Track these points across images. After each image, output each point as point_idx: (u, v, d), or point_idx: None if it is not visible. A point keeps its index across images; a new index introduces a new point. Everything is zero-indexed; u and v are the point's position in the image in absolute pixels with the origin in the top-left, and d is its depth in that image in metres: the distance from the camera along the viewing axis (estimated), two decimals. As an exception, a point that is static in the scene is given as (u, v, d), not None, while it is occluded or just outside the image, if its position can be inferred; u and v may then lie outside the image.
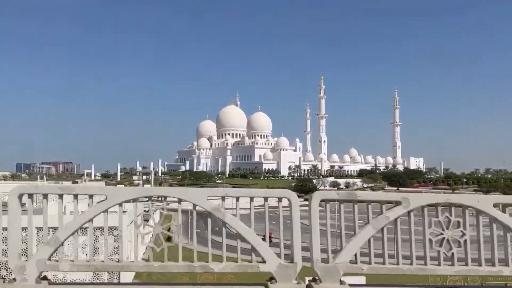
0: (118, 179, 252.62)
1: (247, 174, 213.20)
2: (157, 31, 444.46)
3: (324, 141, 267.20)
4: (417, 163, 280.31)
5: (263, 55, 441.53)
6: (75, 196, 4.39)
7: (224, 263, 4.35)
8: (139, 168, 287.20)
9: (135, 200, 4.45)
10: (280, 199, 4.50)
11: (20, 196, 4.28)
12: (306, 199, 4.83)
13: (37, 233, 4.71)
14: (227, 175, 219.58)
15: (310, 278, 4.47)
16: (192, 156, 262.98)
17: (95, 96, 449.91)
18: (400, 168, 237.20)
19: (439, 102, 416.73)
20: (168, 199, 4.46)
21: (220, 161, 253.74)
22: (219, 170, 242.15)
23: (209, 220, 4.43)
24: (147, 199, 4.68)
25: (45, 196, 4.42)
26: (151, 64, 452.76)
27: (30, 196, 4.36)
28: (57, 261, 4.27)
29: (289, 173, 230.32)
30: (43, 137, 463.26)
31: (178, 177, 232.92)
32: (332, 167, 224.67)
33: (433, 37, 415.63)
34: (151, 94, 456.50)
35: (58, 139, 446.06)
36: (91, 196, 4.48)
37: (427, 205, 4.51)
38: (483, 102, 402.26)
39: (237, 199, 4.50)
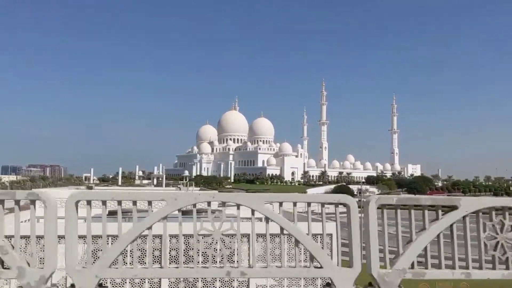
0: (119, 183, 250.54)
1: (253, 179, 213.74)
2: (156, 35, 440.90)
3: (326, 147, 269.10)
4: (414, 170, 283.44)
5: (262, 61, 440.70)
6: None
7: (284, 268, 4.44)
8: (140, 173, 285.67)
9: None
10: (337, 205, 4.53)
11: (77, 203, 4.20)
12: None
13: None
14: (232, 180, 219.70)
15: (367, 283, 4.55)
16: (194, 160, 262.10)
17: (87, 98, 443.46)
18: (406, 175, 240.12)
19: (436, 110, 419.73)
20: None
21: (222, 166, 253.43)
22: (221, 175, 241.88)
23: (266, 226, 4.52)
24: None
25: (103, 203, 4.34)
26: (147, 68, 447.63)
27: (89, 202, 4.28)
28: (116, 268, 4.24)
29: (292, 178, 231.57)
30: (29, 138, 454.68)
31: (182, 181, 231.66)
32: (341, 173, 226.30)
33: (430, 44, 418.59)
34: (146, 98, 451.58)
35: (43, 141, 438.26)
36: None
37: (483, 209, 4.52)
38: (479, 110, 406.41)
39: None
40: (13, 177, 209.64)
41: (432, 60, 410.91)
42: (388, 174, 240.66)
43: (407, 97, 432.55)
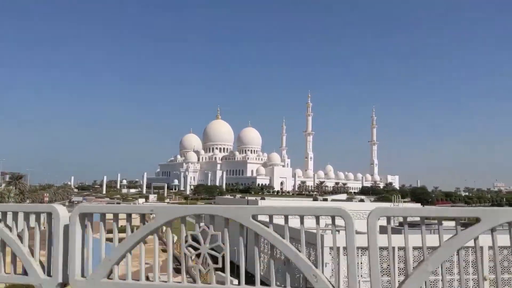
0: (104, 192, 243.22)
1: (246, 189, 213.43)
2: (139, 44, 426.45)
3: (311, 158, 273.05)
4: (393, 180, 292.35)
5: (245, 71, 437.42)
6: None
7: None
8: (124, 181, 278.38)
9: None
10: (333, 218, 3.87)
11: (82, 216, 4.31)
12: None
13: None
14: (224, 190, 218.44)
15: None
16: (180, 169, 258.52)
17: (56, 103, 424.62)
18: (397, 186, 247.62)
19: (413, 122, 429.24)
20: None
21: (209, 175, 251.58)
22: (209, 185, 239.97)
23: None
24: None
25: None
26: (121, 73, 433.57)
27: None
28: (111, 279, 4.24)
29: (281, 188, 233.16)
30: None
31: (171, 190, 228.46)
32: (337, 183, 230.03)
33: (409, 56, 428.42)
34: (124, 106, 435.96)
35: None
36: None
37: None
38: (452, 123, 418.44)
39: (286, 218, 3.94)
40: None
41: (409, 71, 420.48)
42: (381, 184, 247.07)
43: (383, 109, 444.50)
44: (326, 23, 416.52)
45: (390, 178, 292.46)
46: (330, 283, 3.85)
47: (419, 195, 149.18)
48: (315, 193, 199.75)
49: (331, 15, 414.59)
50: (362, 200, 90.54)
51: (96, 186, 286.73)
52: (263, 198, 60.45)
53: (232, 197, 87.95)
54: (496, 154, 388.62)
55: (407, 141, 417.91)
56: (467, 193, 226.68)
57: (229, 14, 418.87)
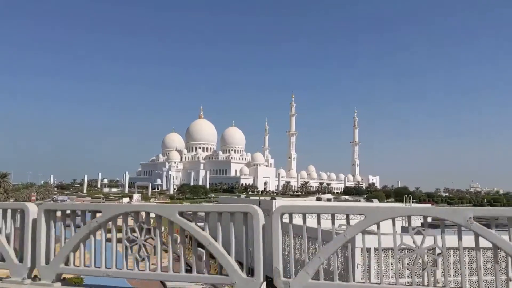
0: (85, 191, 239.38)
1: (230, 189, 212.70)
2: (124, 48, 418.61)
3: (294, 158, 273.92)
4: (374, 181, 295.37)
5: (225, 69, 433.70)
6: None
7: (193, 274, 4.69)
8: (105, 180, 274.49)
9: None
10: (245, 214, 4.62)
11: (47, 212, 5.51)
12: None
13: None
14: (208, 189, 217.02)
15: None
16: (162, 169, 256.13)
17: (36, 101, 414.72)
18: (377, 186, 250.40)
19: (393, 124, 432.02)
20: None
21: (192, 175, 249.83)
22: (192, 184, 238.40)
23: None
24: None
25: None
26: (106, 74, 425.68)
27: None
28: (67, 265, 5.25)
29: (264, 188, 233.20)
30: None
31: (155, 190, 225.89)
32: (321, 183, 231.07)
33: (391, 57, 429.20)
34: (103, 104, 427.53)
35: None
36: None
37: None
38: (431, 125, 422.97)
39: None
40: None
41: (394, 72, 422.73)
42: (364, 185, 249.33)
43: (365, 110, 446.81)
44: (320, 24, 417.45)
45: (371, 179, 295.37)
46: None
47: (403, 196, 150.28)
48: (319, 193, 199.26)
49: (327, 15, 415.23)
50: (370, 200, 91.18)
51: (76, 185, 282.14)
52: (273, 198, 60.31)
53: (237, 196, 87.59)
54: (472, 156, 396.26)
55: (387, 141, 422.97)
56: (447, 194, 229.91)
57: (215, 15, 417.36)
